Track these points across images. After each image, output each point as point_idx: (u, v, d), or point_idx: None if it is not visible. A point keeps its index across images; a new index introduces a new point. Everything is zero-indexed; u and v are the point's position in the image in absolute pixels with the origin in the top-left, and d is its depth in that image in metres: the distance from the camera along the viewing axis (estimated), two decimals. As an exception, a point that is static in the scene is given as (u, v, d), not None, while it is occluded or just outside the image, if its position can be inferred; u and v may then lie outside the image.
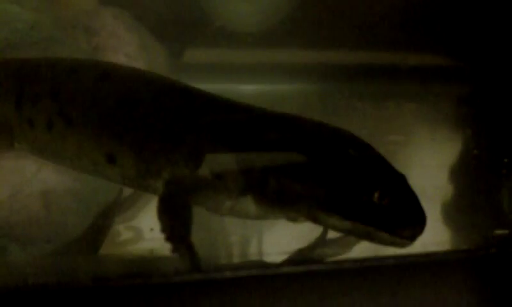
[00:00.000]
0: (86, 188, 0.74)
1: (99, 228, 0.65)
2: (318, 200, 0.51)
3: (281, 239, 0.59)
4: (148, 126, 0.58)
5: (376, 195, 0.49)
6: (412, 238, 0.50)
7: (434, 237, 0.60)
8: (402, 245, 0.50)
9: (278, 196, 0.53)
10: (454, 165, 0.83)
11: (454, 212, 0.72)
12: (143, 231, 0.65)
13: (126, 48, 0.83)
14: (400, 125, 0.92)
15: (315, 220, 0.52)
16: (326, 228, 0.54)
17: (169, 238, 0.53)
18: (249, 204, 0.55)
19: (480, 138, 0.88)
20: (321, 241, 0.58)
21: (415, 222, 0.50)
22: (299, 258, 0.55)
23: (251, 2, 0.98)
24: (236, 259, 0.59)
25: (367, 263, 0.51)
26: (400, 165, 0.81)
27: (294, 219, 0.55)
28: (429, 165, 0.82)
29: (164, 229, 0.53)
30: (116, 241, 0.66)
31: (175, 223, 0.53)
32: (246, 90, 0.94)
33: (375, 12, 0.99)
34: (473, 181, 0.79)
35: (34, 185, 0.73)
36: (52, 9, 0.82)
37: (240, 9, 0.99)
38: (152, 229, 0.60)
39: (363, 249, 0.55)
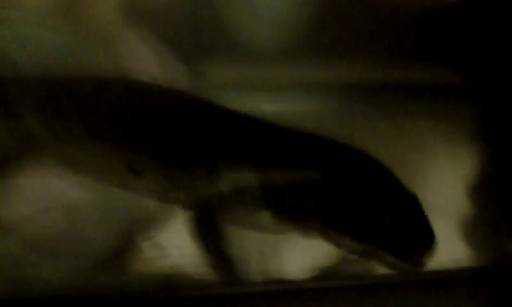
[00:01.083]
0: (110, 205, 0.76)
1: (126, 244, 0.67)
2: (330, 219, 0.51)
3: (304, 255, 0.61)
4: (170, 141, 0.60)
5: (386, 218, 0.50)
6: (421, 263, 0.50)
7: (452, 254, 0.61)
8: (411, 270, 0.50)
9: (294, 213, 0.54)
10: (471, 183, 0.84)
11: (471, 229, 0.72)
12: (167, 248, 0.66)
13: (149, 68, 0.85)
14: (417, 143, 0.93)
15: (326, 238, 0.53)
16: (337, 246, 0.55)
17: (209, 256, 0.54)
18: (265, 218, 0.56)
19: (497, 155, 0.89)
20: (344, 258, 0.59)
21: (423, 248, 0.50)
22: (326, 274, 0.57)
23: (271, 23, 1.01)
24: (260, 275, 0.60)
25: (386, 280, 0.52)
26: (418, 183, 0.82)
27: (307, 235, 0.56)
28: (447, 183, 0.83)
29: (203, 249, 0.55)
30: (140, 257, 0.67)
31: (212, 242, 0.55)
32: (265, 109, 0.96)
33: (392, 32, 1.01)
34: (490, 198, 0.80)
35: (61, 202, 0.75)
36: (80, 33, 0.85)
37: (260, 31, 1.01)
38: (178, 245, 0.62)
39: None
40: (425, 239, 0.51)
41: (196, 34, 0.98)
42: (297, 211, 0.54)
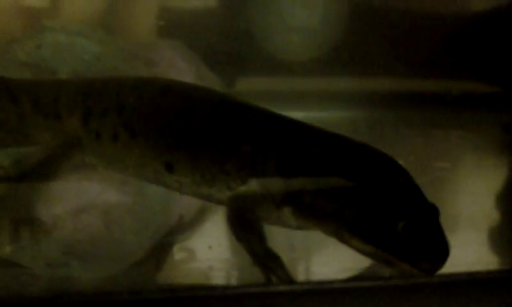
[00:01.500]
0: (144, 209, 0.78)
1: (158, 248, 0.68)
2: (346, 221, 0.53)
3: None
4: (202, 137, 0.62)
5: (401, 225, 0.50)
6: (431, 271, 0.51)
7: (480, 263, 0.62)
8: (423, 275, 0.51)
9: (311, 211, 0.56)
10: (500, 192, 0.84)
11: (500, 238, 0.73)
12: (197, 252, 0.67)
13: (183, 78, 0.87)
14: (446, 152, 0.93)
15: (341, 239, 0.55)
16: (351, 247, 0.56)
17: (254, 255, 0.56)
18: (288, 216, 0.58)
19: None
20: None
21: (434, 257, 0.51)
22: (357, 275, 0.58)
23: (300, 32, 1.02)
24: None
25: (413, 281, 0.53)
26: (446, 191, 0.82)
27: (326, 233, 0.58)
28: (475, 192, 0.83)
29: (247, 249, 0.57)
30: (171, 261, 0.69)
31: (253, 239, 0.57)
32: (295, 117, 0.98)
33: (422, 40, 1.01)
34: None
35: (96, 205, 0.77)
36: (115, 42, 0.88)
37: (290, 39, 1.02)
38: (210, 247, 0.64)
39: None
40: (438, 248, 0.52)
41: (228, 44, 1.00)
42: (314, 210, 0.56)
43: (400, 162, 0.86)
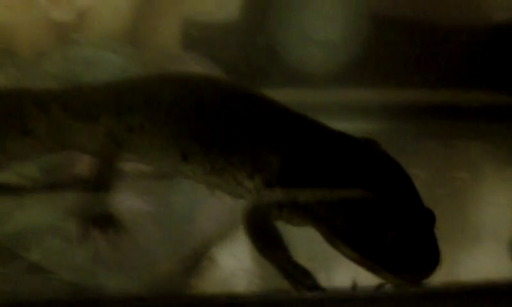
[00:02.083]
0: (168, 218, 0.79)
1: (185, 257, 0.69)
2: (337, 227, 0.53)
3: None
4: (213, 129, 0.65)
5: (390, 237, 0.51)
6: (414, 282, 0.51)
7: (501, 274, 0.62)
8: (408, 286, 0.52)
9: (306, 212, 0.57)
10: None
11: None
12: (221, 260, 0.68)
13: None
14: (467, 163, 0.93)
15: (331, 243, 0.55)
16: (341, 254, 0.56)
17: (282, 269, 0.57)
18: (286, 215, 0.60)
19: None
20: None
21: (418, 268, 0.50)
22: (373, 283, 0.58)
23: (321, 45, 1.03)
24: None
25: (433, 289, 0.54)
26: (467, 202, 0.83)
27: (320, 234, 0.59)
28: (495, 203, 0.83)
29: (274, 264, 0.58)
30: (194, 270, 0.70)
31: (277, 254, 0.58)
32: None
33: (443, 52, 1.02)
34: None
35: (122, 215, 0.79)
36: (140, 55, 0.90)
37: (311, 52, 1.04)
38: (234, 256, 0.65)
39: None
40: (425, 259, 0.51)
41: (250, 57, 1.02)
42: (308, 212, 0.56)
43: (421, 173, 0.87)
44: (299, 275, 0.55)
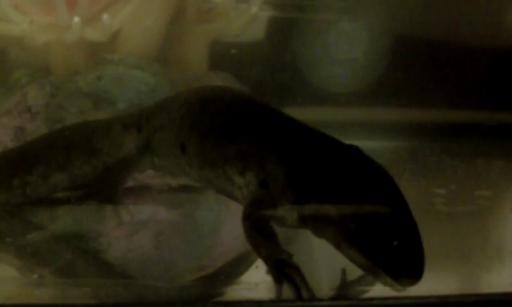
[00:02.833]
0: (193, 231, 0.81)
1: (205, 270, 0.70)
2: (346, 231, 0.56)
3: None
4: (211, 119, 0.67)
5: (395, 244, 0.55)
6: (407, 285, 0.56)
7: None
8: (398, 290, 0.56)
9: (314, 216, 0.58)
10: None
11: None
12: (246, 275, 0.69)
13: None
14: (488, 181, 0.94)
15: (337, 246, 0.57)
16: (345, 257, 0.58)
17: (264, 257, 0.59)
18: (290, 218, 0.61)
19: None
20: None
21: (412, 274, 0.55)
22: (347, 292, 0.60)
23: (344, 64, 1.05)
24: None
25: (446, 299, 0.55)
26: (488, 220, 0.83)
27: (321, 237, 0.59)
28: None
29: (258, 250, 0.60)
30: (217, 282, 0.71)
31: (264, 240, 0.60)
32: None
33: (464, 71, 1.03)
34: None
35: (148, 226, 0.81)
36: (169, 73, 0.93)
37: (335, 71, 1.06)
38: (256, 267, 0.66)
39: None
40: (416, 268, 0.55)
41: (275, 75, 1.04)
42: (316, 215, 0.58)
43: (442, 191, 0.88)
44: (288, 271, 0.58)
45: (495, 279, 0.68)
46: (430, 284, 0.60)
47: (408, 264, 0.55)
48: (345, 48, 1.05)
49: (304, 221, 0.60)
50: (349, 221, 0.55)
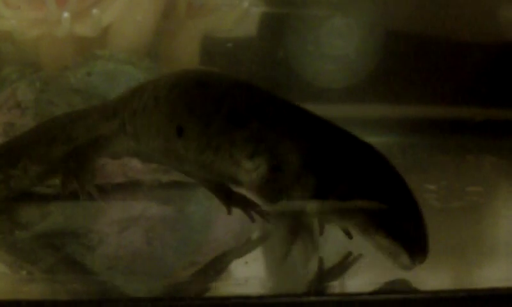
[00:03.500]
0: (184, 227, 0.81)
1: (196, 266, 0.70)
2: (376, 215, 0.58)
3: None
4: (217, 103, 0.66)
5: (414, 228, 0.60)
6: (418, 264, 0.60)
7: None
8: (406, 269, 0.60)
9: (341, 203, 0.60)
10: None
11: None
12: (234, 267, 0.69)
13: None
14: (479, 177, 0.94)
15: (363, 230, 0.60)
16: (370, 240, 0.60)
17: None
18: (312, 206, 0.61)
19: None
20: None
21: (425, 254, 0.60)
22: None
23: (336, 60, 1.05)
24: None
25: (439, 294, 0.56)
26: (479, 215, 0.84)
27: (345, 223, 0.62)
28: (508, 215, 0.84)
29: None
30: (208, 277, 0.71)
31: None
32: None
33: (456, 68, 1.03)
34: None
35: (140, 223, 0.81)
36: (160, 69, 0.93)
37: (327, 67, 1.06)
38: (246, 262, 0.66)
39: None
40: (425, 247, 0.60)
41: (267, 71, 1.04)
42: (345, 203, 0.59)
43: (434, 187, 0.88)
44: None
45: (487, 274, 0.68)
46: (422, 279, 0.61)
47: (421, 245, 0.59)
48: (337, 43, 1.05)
49: (329, 212, 0.60)
50: (377, 208, 0.58)
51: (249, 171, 0.64)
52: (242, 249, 0.74)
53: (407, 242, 0.59)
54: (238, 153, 0.64)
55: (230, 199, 0.73)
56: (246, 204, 0.73)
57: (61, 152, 0.80)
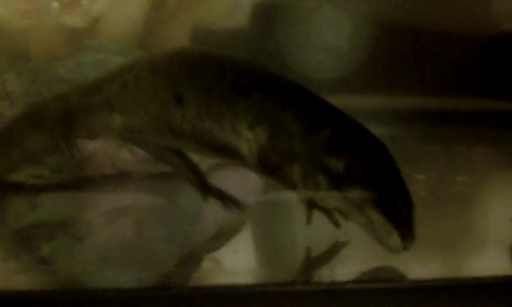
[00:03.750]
0: (175, 217, 0.81)
1: (189, 256, 0.70)
2: (371, 192, 0.60)
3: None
4: (218, 72, 0.66)
5: (407, 211, 0.62)
6: (406, 248, 0.62)
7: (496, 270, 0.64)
8: (395, 252, 0.61)
9: (344, 176, 0.61)
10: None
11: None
12: (222, 257, 0.70)
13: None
14: (468, 167, 0.95)
15: (358, 208, 0.61)
16: (363, 219, 0.62)
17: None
18: (319, 183, 0.63)
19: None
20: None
21: (414, 239, 0.62)
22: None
23: (327, 51, 1.05)
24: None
25: (423, 283, 0.56)
26: (468, 204, 0.84)
27: (340, 201, 0.62)
28: (497, 205, 0.84)
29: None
30: (198, 268, 0.71)
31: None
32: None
33: (446, 59, 1.03)
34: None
35: (129, 213, 0.81)
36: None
37: (318, 58, 1.05)
38: (234, 252, 0.66)
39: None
40: (414, 233, 0.62)
41: (258, 62, 1.04)
42: (347, 176, 0.61)
43: (423, 177, 0.88)
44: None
45: (475, 263, 0.69)
46: (410, 268, 0.62)
47: (411, 229, 0.61)
48: (328, 35, 1.05)
49: (333, 186, 0.61)
50: (377, 184, 0.60)
51: (249, 140, 0.64)
52: (231, 239, 0.74)
53: (399, 222, 0.60)
54: (239, 122, 0.65)
55: (206, 187, 0.75)
56: (221, 195, 0.75)
57: (32, 135, 0.79)
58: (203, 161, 0.91)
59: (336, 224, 0.68)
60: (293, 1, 1.07)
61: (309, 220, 0.68)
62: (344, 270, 0.63)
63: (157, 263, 0.67)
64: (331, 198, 0.63)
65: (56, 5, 0.88)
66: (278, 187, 0.85)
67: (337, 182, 0.61)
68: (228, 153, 0.67)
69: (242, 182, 0.96)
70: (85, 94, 0.77)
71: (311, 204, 0.68)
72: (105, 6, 0.91)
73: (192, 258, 0.69)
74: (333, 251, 0.67)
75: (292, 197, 0.65)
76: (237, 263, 0.64)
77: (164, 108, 0.69)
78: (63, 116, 0.77)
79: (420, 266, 0.65)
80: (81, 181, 0.87)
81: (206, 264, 0.68)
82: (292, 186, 0.64)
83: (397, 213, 0.61)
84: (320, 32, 1.05)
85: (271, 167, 0.63)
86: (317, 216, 0.68)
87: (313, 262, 0.65)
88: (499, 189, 0.91)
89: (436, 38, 1.04)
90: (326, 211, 0.69)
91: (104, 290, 0.57)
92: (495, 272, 0.63)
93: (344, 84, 1.03)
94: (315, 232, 0.67)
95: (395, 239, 0.61)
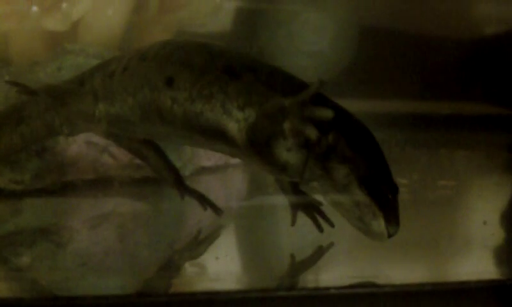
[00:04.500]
0: (158, 223, 0.81)
1: (169, 262, 0.70)
2: (359, 171, 0.61)
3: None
4: (213, 58, 0.67)
5: (397, 196, 0.63)
6: (390, 236, 0.62)
7: (480, 274, 0.64)
8: (378, 240, 0.62)
9: (330, 153, 0.62)
10: (504, 210, 0.86)
11: (503, 255, 0.74)
12: (205, 263, 0.70)
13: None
14: (451, 171, 0.95)
15: (344, 187, 0.62)
16: (345, 202, 0.62)
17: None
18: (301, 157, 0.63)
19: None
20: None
21: (398, 226, 0.63)
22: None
23: (310, 55, 1.06)
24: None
25: (405, 288, 0.56)
26: (451, 207, 0.85)
27: (327, 178, 0.63)
28: (479, 209, 0.85)
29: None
30: (181, 274, 0.71)
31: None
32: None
33: (429, 63, 1.04)
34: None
35: (111, 219, 0.81)
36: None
37: (301, 62, 1.06)
38: (217, 258, 0.66)
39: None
40: (398, 220, 0.63)
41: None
42: (332, 152, 0.61)
43: (405, 180, 0.89)
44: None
45: (458, 267, 0.69)
46: (393, 271, 0.62)
47: (396, 215, 0.62)
48: (311, 39, 1.05)
49: (319, 163, 0.62)
50: (363, 164, 0.61)
51: (239, 121, 0.65)
52: (213, 245, 0.74)
53: (384, 205, 0.61)
54: (230, 103, 0.65)
55: (182, 186, 0.76)
56: (199, 195, 0.76)
57: (9, 131, 0.78)
58: (186, 166, 0.92)
59: (320, 229, 0.69)
60: (276, 5, 1.07)
61: (294, 222, 0.69)
62: (328, 275, 0.63)
63: (139, 269, 0.68)
64: (319, 178, 0.63)
65: (36, 9, 0.87)
66: (262, 191, 0.85)
67: (324, 161, 0.62)
68: (217, 136, 0.67)
69: (226, 186, 0.96)
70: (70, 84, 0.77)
71: (296, 206, 0.70)
72: (85, 10, 0.91)
73: (174, 264, 0.68)
74: (316, 256, 0.67)
75: (276, 202, 0.65)
76: (220, 269, 0.64)
77: (154, 92, 0.69)
78: (53, 101, 0.76)
79: (403, 270, 0.65)
80: (62, 186, 0.86)
81: (189, 270, 0.68)
82: (282, 168, 0.63)
83: (383, 196, 0.61)
84: (303, 36, 1.06)
85: (259, 146, 0.63)
86: (301, 220, 0.68)
87: (297, 268, 0.65)
88: (481, 193, 0.92)
89: (418, 42, 1.05)
90: (311, 214, 0.70)
91: (86, 296, 0.57)
92: (478, 275, 0.63)
93: (326, 89, 1.03)
94: (299, 237, 0.67)
95: (380, 223, 0.61)
